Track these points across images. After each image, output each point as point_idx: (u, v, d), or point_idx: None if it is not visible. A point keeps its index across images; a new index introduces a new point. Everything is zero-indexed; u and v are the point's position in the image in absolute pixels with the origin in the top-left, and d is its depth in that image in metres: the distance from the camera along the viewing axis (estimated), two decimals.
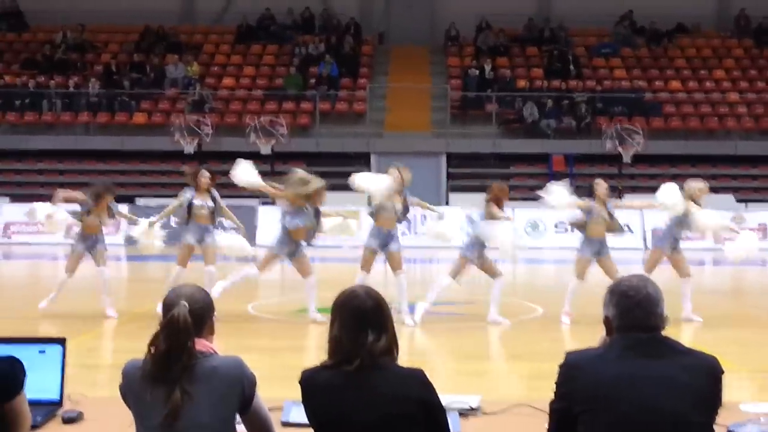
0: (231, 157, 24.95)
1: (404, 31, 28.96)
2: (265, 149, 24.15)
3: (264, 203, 23.79)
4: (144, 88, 26.96)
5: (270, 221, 22.88)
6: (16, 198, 23.92)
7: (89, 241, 10.97)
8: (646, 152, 24.01)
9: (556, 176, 25.05)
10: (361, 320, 3.29)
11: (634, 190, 24.89)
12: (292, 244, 10.64)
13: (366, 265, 10.82)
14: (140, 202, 24.24)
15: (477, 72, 27.20)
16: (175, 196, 26.41)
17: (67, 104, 26.51)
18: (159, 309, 3.37)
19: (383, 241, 10.79)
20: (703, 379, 3.20)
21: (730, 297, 14.35)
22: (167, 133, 24.36)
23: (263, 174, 25.17)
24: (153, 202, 24.26)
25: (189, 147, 24.08)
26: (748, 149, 25.39)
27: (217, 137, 24.60)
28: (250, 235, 11.34)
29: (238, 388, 3.26)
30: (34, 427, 3.60)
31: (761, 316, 11.33)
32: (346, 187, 27.63)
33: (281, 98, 26.88)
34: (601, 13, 28.27)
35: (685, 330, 9.79)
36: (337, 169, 25.72)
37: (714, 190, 24.72)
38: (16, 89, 26.49)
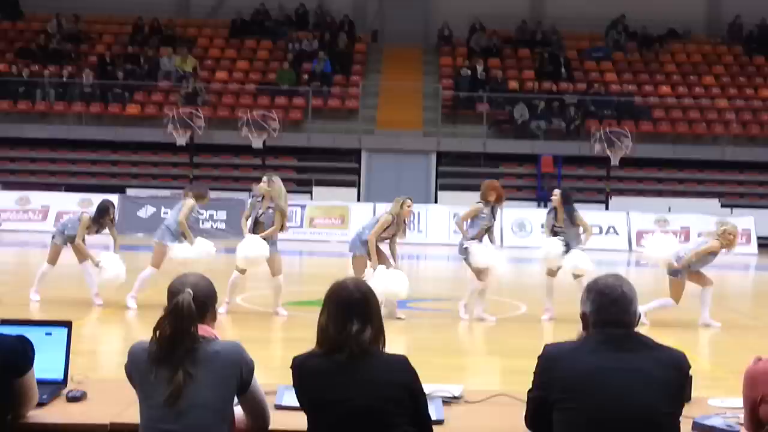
0: (223, 150, 25.31)
1: (398, 30, 29.11)
2: (257, 143, 24.28)
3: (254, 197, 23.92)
4: (138, 79, 27.06)
5: None
6: (8, 186, 24.03)
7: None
8: (634, 155, 24.22)
9: (545, 177, 25.36)
10: (348, 311, 3.48)
11: (622, 192, 25.15)
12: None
13: None
14: (131, 192, 24.35)
15: (469, 72, 27.38)
16: (166, 187, 26.41)
17: (61, 94, 26.58)
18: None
19: None
20: (671, 372, 3.40)
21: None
22: (159, 124, 24.47)
23: (254, 167, 25.49)
24: (144, 192, 24.41)
25: (181, 139, 24.19)
26: (736, 155, 25.64)
27: (209, 130, 24.73)
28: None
29: (237, 371, 3.45)
30: (41, 404, 3.79)
31: (739, 319, 11.55)
32: (336, 183, 27.87)
33: (274, 93, 27.01)
34: (593, 17, 28.48)
35: (669, 331, 9.98)
36: (328, 164, 25.98)
37: (700, 194, 25.14)
38: (9, 78, 26.55)
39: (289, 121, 25.92)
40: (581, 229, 11.33)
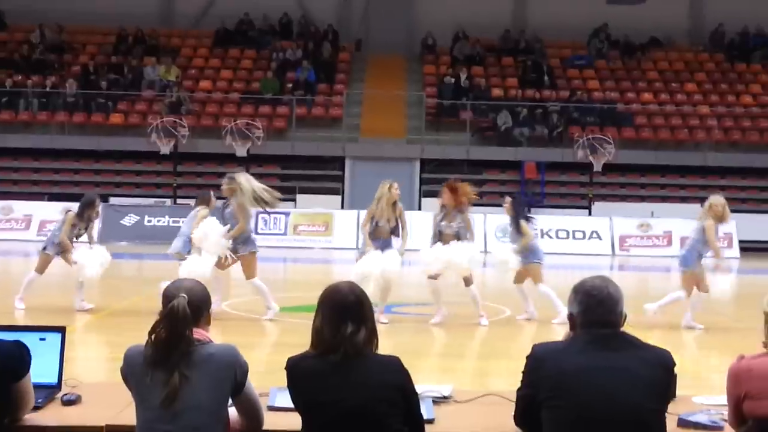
0: (207, 158, 25.31)
1: (382, 39, 29.20)
2: (241, 151, 24.30)
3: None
4: (121, 89, 27.04)
5: None
6: None
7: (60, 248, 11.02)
8: (616, 161, 24.38)
9: (528, 183, 25.51)
10: (342, 313, 3.54)
11: (604, 198, 25.30)
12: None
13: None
14: (114, 201, 24.32)
15: (452, 80, 27.51)
16: (149, 196, 26.45)
17: (44, 104, 26.54)
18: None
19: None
20: (657, 371, 3.49)
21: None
22: (143, 134, 24.45)
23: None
24: (127, 201, 24.39)
25: (165, 148, 24.18)
26: (717, 161, 25.83)
27: (193, 139, 24.74)
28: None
29: (232, 374, 3.52)
30: (36, 407, 3.83)
31: (722, 321, 11.67)
32: (320, 190, 27.89)
33: (258, 102, 27.06)
34: (576, 25, 28.68)
35: (653, 333, 10.09)
36: (312, 172, 26.03)
37: (682, 200, 25.33)
38: None
39: (273, 130, 25.96)
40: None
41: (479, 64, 28.87)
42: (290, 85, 27.39)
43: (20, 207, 23.18)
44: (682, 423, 3.89)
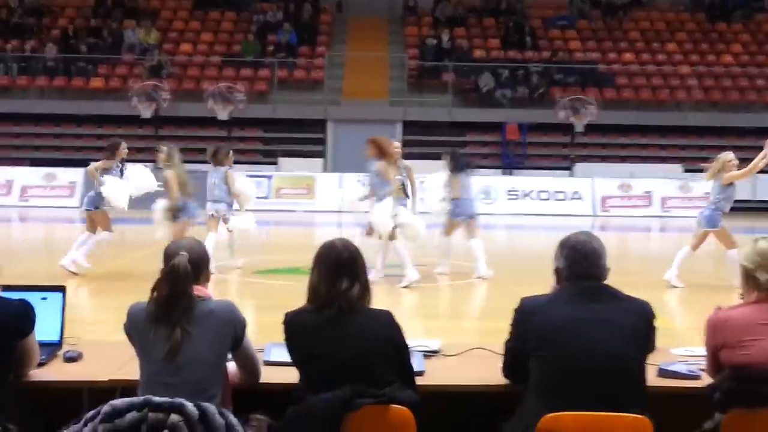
0: (189, 122, 25.27)
1: (362, 0, 29.10)
2: (223, 115, 24.28)
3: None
4: (101, 53, 26.88)
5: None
6: None
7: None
8: (598, 122, 24.48)
9: (510, 144, 25.63)
10: (337, 270, 3.70)
11: (586, 158, 25.44)
12: None
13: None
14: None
15: (435, 42, 27.49)
16: (131, 160, 26.44)
17: (23, 68, 26.37)
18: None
19: None
20: (637, 321, 3.66)
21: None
22: (124, 98, 24.35)
23: (221, 139, 25.49)
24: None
25: (146, 112, 24.12)
26: (698, 120, 25.98)
27: (174, 103, 24.66)
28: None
29: (232, 328, 3.66)
30: (40, 364, 3.98)
31: (702, 279, 11.86)
32: (303, 153, 27.87)
33: (239, 65, 26.98)
34: None
35: (636, 292, 10.25)
36: (294, 135, 26.03)
37: (663, 159, 25.52)
38: None
39: (254, 93, 25.91)
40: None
41: (461, 25, 28.85)
42: (271, 48, 27.31)
43: (1, 172, 23.11)
44: (662, 372, 4.06)
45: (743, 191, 24.49)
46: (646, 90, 26.85)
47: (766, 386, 3.49)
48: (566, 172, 24.91)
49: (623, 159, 25.64)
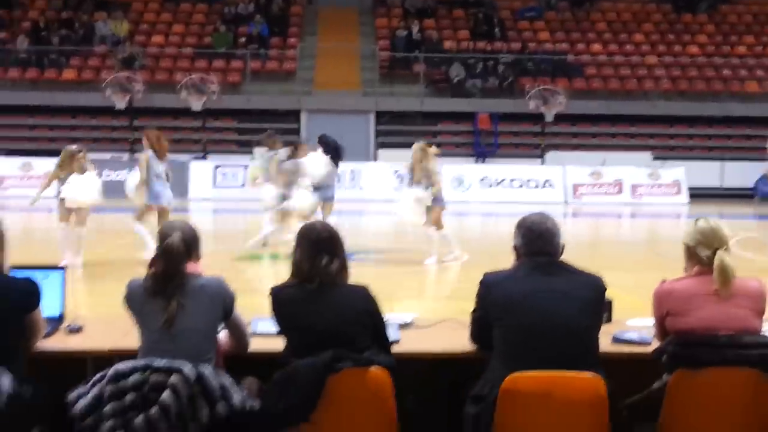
0: (163, 113, 25.43)
1: None
2: (197, 106, 24.49)
3: (195, 159, 24.19)
4: (73, 45, 26.96)
5: (201, 176, 23.33)
6: None
7: None
8: (567, 111, 24.89)
9: (482, 134, 26.00)
10: (318, 247, 4.07)
11: (557, 147, 25.86)
12: None
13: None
14: None
15: (405, 33, 27.80)
16: (106, 150, 26.46)
17: None
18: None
19: None
20: (590, 292, 4.04)
21: (642, 245, 15.42)
22: (97, 89, 24.48)
23: (195, 129, 25.64)
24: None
25: (120, 103, 24.26)
26: (666, 109, 26.48)
27: (148, 94, 24.81)
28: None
29: (221, 301, 4.04)
30: (46, 335, 4.33)
31: (664, 262, 12.25)
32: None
33: (211, 56, 27.16)
34: None
35: (614, 274, 10.62)
36: (268, 125, 26.18)
37: (632, 148, 25.99)
38: None
39: (227, 84, 26.11)
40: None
41: (431, 16, 29.18)
42: (243, 39, 27.51)
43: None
44: (616, 340, 4.46)
45: (712, 178, 25.17)
46: (615, 80, 27.30)
47: (706, 349, 3.88)
48: (538, 160, 25.31)
49: (593, 147, 26.06)
